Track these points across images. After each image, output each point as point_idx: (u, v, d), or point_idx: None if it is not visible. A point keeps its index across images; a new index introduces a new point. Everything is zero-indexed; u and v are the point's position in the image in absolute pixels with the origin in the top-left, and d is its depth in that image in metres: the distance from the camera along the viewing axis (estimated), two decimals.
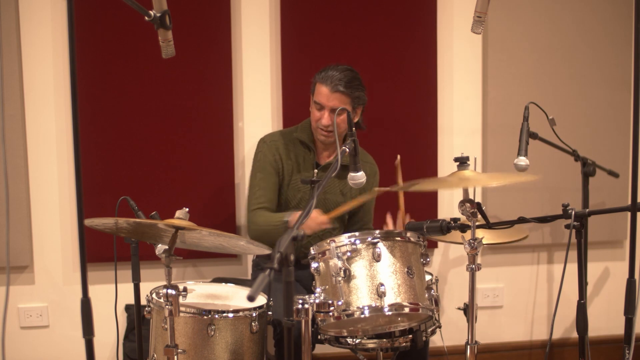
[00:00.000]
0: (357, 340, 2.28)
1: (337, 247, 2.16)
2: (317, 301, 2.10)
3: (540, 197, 3.44)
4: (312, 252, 2.24)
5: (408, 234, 2.25)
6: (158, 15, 1.97)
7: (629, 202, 2.18)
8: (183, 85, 3.14)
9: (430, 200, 3.39)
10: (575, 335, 2.90)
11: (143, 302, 2.47)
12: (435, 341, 3.19)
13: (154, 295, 2.37)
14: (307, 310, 1.99)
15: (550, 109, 2.73)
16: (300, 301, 1.99)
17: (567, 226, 2.18)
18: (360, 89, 2.74)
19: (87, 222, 2.06)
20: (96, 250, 2.90)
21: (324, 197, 2.82)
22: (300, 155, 2.83)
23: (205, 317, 2.27)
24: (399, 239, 2.22)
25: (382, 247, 2.18)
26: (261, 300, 2.44)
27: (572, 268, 2.24)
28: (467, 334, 2.28)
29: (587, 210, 2.21)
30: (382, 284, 2.13)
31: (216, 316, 2.28)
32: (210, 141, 3.18)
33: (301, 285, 2.77)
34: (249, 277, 3.15)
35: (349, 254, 2.16)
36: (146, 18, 1.96)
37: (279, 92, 3.23)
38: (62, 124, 3.10)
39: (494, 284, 3.54)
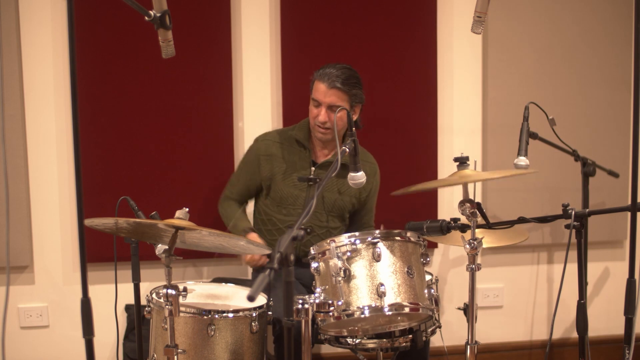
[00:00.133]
0: (357, 340, 2.28)
1: (337, 247, 2.16)
2: (317, 301, 2.11)
3: (540, 197, 3.44)
4: (312, 252, 2.24)
5: (408, 234, 2.25)
6: (158, 15, 1.97)
7: (629, 202, 2.18)
8: (183, 85, 3.14)
9: (430, 200, 3.39)
10: (575, 335, 2.90)
11: (143, 302, 2.47)
12: (435, 341, 3.18)
13: (154, 295, 2.37)
14: (307, 310, 2.00)
15: (550, 109, 2.73)
16: (300, 301, 1.99)
17: (567, 226, 2.18)
18: (358, 87, 2.75)
19: (87, 222, 2.06)
20: (96, 250, 2.90)
21: (321, 195, 2.83)
22: (295, 154, 2.84)
23: (205, 317, 2.27)
24: (399, 239, 2.22)
25: (382, 247, 2.18)
26: (261, 300, 2.44)
27: (572, 268, 2.24)
28: (467, 334, 2.28)
29: (587, 210, 2.21)
30: (382, 284, 2.13)
31: (216, 316, 2.28)
32: (210, 141, 3.18)
33: (301, 284, 2.77)
34: (249, 277, 3.15)
35: (349, 254, 2.16)
36: (146, 18, 1.96)
37: (279, 92, 3.23)
38: (62, 124, 3.10)
39: (494, 284, 3.54)
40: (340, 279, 2.13)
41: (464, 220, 2.30)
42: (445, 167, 3.37)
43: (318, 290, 2.16)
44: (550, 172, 3.40)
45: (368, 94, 3.24)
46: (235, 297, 2.54)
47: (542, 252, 3.57)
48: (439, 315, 2.40)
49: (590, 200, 3.12)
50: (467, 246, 2.23)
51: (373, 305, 2.12)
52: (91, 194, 3.02)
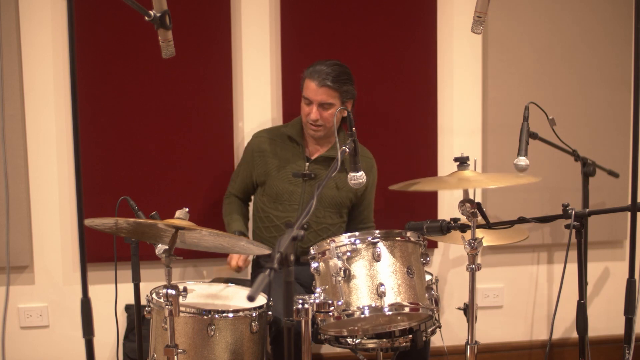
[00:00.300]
0: (357, 340, 2.28)
1: (337, 247, 2.16)
2: (317, 301, 2.11)
3: (540, 197, 3.44)
4: (312, 252, 2.25)
5: (408, 234, 2.25)
6: (158, 15, 1.97)
7: (629, 202, 2.18)
8: (183, 85, 3.14)
9: (430, 200, 3.39)
10: (575, 335, 2.90)
11: (143, 302, 2.47)
12: (435, 341, 3.18)
13: (154, 295, 2.37)
14: (307, 310, 2.00)
15: (550, 109, 2.73)
16: (300, 301, 2.00)
17: (567, 226, 2.18)
18: (349, 83, 2.76)
19: (87, 222, 2.06)
20: (96, 250, 2.89)
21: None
22: (288, 150, 2.86)
23: (205, 317, 2.27)
24: (399, 238, 2.22)
25: (382, 247, 2.18)
26: (261, 300, 2.44)
27: (572, 268, 2.24)
28: (467, 334, 2.28)
29: (587, 210, 2.21)
30: (382, 284, 2.13)
31: (216, 316, 2.28)
32: (210, 141, 3.18)
33: (301, 283, 2.77)
34: (249, 277, 3.15)
35: (349, 254, 2.16)
36: (146, 18, 1.97)
37: (279, 92, 3.23)
38: (62, 124, 3.10)
39: (494, 284, 3.54)
40: (340, 279, 2.14)
41: (464, 220, 2.30)
42: (445, 167, 3.37)
43: (318, 290, 2.16)
44: (550, 172, 3.40)
45: (368, 94, 3.25)
46: (235, 297, 2.54)
47: (542, 252, 3.57)
48: (439, 315, 2.40)
49: (590, 200, 3.12)
50: (467, 246, 2.24)
51: (373, 305, 2.12)
52: (91, 194, 3.02)
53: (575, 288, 2.23)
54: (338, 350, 3.27)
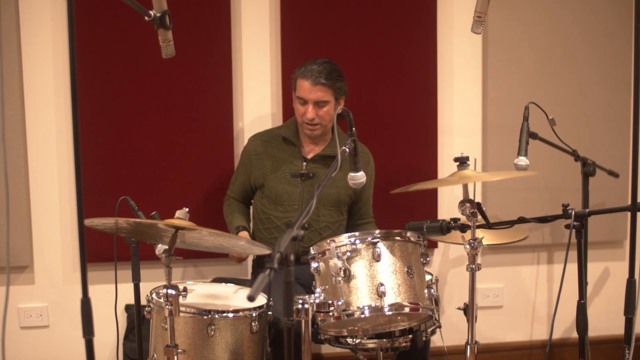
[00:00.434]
0: (357, 340, 2.28)
1: (337, 247, 2.16)
2: (317, 301, 2.11)
3: (540, 197, 3.44)
4: (312, 252, 2.24)
5: (408, 234, 2.25)
6: (158, 15, 1.97)
7: (629, 202, 2.19)
8: (183, 85, 3.14)
9: (430, 200, 3.39)
10: (575, 335, 2.90)
11: (143, 302, 2.47)
12: (435, 341, 3.19)
13: (154, 295, 2.37)
14: (307, 310, 2.00)
15: (550, 109, 2.73)
16: (300, 301, 1.99)
17: (567, 226, 2.18)
18: (341, 80, 2.78)
19: (87, 222, 2.06)
20: (96, 250, 2.89)
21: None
22: (285, 151, 2.87)
23: (205, 317, 2.27)
24: (399, 238, 2.22)
25: (382, 247, 2.18)
26: (261, 300, 2.44)
27: (572, 268, 2.24)
28: (467, 334, 2.28)
29: (587, 210, 2.21)
30: (382, 284, 2.13)
31: (216, 316, 2.28)
32: (210, 141, 3.18)
33: (301, 283, 2.77)
34: (249, 277, 3.15)
35: (349, 254, 2.16)
36: (146, 18, 1.97)
37: (279, 92, 3.23)
38: (62, 124, 3.10)
39: (494, 284, 3.54)
40: (340, 279, 2.13)
41: (464, 220, 2.30)
42: (445, 167, 3.37)
43: (318, 290, 2.16)
44: (550, 172, 3.40)
45: (368, 94, 3.26)
46: (235, 297, 2.54)
47: (542, 252, 3.57)
48: (439, 315, 2.40)
49: (590, 200, 3.12)
50: (467, 246, 2.24)
51: (373, 305, 2.12)
52: (91, 194, 3.02)
53: (575, 288, 2.23)
54: (338, 350, 3.27)
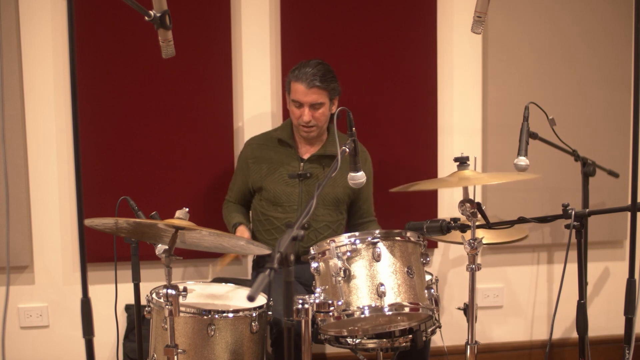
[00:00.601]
0: (357, 340, 2.28)
1: (337, 247, 2.16)
2: (317, 301, 2.11)
3: (540, 197, 3.44)
4: (312, 252, 2.25)
5: (408, 234, 2.25)
6: (158, 15, 1.97)
7: (629, 202, 2.19)
8: (183, 85, 3.14)
9: (430, 200, 3.39)
10: (575, 335, 2.90)
11: (143, 302, 2.47)
12: (435, 341, 3.19)
13: (154, 295, 2.37)
14: (307, 310, 2.00)
15: (550, 109, 2.73)
16: (300, 301, 1.99)
17: (567, 226, 2.18)
18: (335, 81, 2.80)
19: (87, 222, 2.06)
20: (96, 250, 2.89)
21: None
22: (281, 153, 2.88)
23: (205, 317, 2.27)
24: (399, 239, 2.22)
25: (382, 247, 2.18)
26: (261, 300, 2.44)
27: (572, 268, 2.24)
28: (467, 334, 2.28)
29: (587, 210, 2.20)
30: (382, 284, 2.13)
31: (216, 316, 2.28)
32: (210, 141, 3.18)
33: (301, 282, 2.77)
34: (249, 277, 3.15)
35: (349, 254, 2.16)
36: (146, 18, 1.96)
37: (279, 92, 3.23)
38: (62, 124, 3.10)
39: (494, 284, 3.54)
40: (340, 279, 2.13)
41: (464, 220, 2.30)
42: (445, 167, 3.37)
43: (318, 290, 2.16)
44: (550, 172, 3.40)
45: (368, 94, 3.26)
46: (235, 297, 2.54)
47: (542, 252, 3.57)
48: (439, 315, 2.40)
49: (590, 200, 3.12)
50: (467, 246, 2.24)
51: (373, 305, 2.12)
52: (91, 194, 3.02)
53: (575, 288, 2.23)
54: (338, 350, 3.27)
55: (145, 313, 2.38)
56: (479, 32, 2.22)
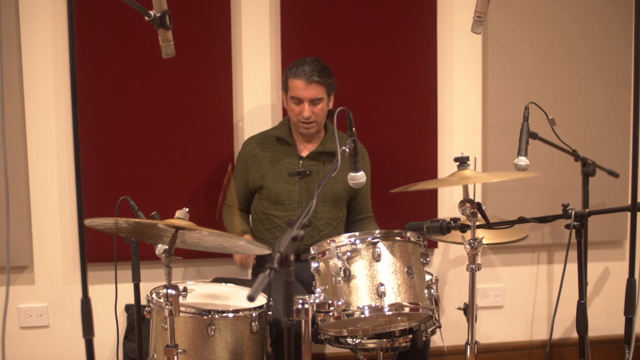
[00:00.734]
0: (357, 340, 2.28)
1: (337, 247, 2.16)
2: (317, 301, 2.11)
3: (540, 197, 3.44)
4: (312, 252, 2.25)
5: (408, 234, 2.25)
6: (158, 15, 1.97)
7: (629, 202, 2.19)
8: (183, 85, 3.14)
9: (430, 200, 3.39)
10: (575, 335, 2.90)
11: (143, 302, 2.47)
12: (436, 341, 3.19)
13: (154, 295, 2.37)
14: (307, 310, 2.00)
15: (550, 109, 2.73)
16: (300, 301, 1.99)
17: (567, 226, 2.18)
18: (331, 77, 2.83)
19: (87, 222, 2.06)
20: (96, 250, 2.89)
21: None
22: (280, 151, 2.89)
23: (205, 317, 2.27)
24: (399, 239, 2.22)
25: (382, 247, 2.18)
26: (261, 300, 2.44)
27: (572, 268, 2.24)
28: (467, 334, 2.28)
29: (587, 210, 2.20)
30: (382, 284, 2.13)
31: (216, 316, 2.28)
32: (210, 141, 3.18)
33: (302, 280, 2.77)
34: (249, 277, 3.15)
35: (349, 254, 2.16)
36: (146, 18, 1.97)
37: (279, 92, 3.23)
38: (62, 124, 3.10)
39: (494, 284, 3.54)
40: (340, 279, 2.13)
41: (464, 220, 2.30)
42: (445, 167, 3.37)
43: (318, 290, 2.16)
44: (550, 172, 3.40)
45: (368, 94, 3.25)
46: (235, 297, 2.54)
47: (542, 252, 3.57)
48: (439, 315, 2.40)
49: (590, 200, 3.12)
50: (467, 246, 2.24)
51: (373, 305, 2.12)
52: (91, 194, 3.02)
53: (575, 288, 2.23)
54: (338, 350, 3.27)
55: (145, 313, 2.38)
56: (479, 32, 2.22)
